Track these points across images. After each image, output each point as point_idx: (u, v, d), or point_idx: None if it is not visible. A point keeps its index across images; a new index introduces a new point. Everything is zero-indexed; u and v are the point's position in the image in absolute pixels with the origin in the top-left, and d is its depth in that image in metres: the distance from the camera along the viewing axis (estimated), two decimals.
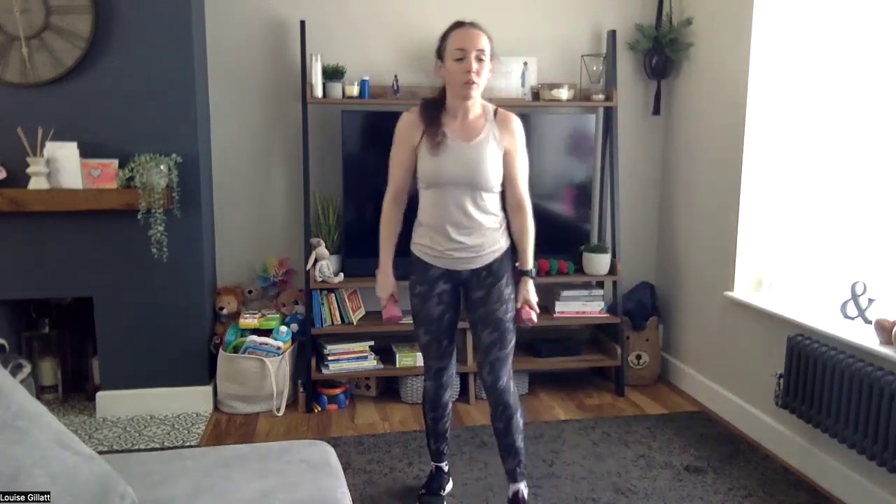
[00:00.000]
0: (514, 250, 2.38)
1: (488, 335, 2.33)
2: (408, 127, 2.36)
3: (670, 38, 3.62)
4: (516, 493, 2.44)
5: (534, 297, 2.36)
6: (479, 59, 2.18)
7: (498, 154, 2.27)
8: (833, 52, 2.94)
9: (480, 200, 2.27)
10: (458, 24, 2.23)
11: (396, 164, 2.44)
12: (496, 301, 2.32)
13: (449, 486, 2.65)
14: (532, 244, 2.37)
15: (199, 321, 3.34)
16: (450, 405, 2.59)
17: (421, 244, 2.38)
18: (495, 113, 2.31)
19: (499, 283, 2.32)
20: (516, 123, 2.32)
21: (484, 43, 2.19)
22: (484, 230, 2.30)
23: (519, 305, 2.36)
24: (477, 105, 2.29)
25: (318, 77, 3.37)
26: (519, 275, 2.37)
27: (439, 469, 2.66)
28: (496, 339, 2.33)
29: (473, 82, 2.18)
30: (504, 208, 2.36)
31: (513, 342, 2.37)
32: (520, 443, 2.41)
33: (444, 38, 2.24)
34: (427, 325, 2.42)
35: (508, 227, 2.38)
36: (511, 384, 2.38)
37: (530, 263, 2.37)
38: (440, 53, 2.26)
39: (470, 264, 2.32)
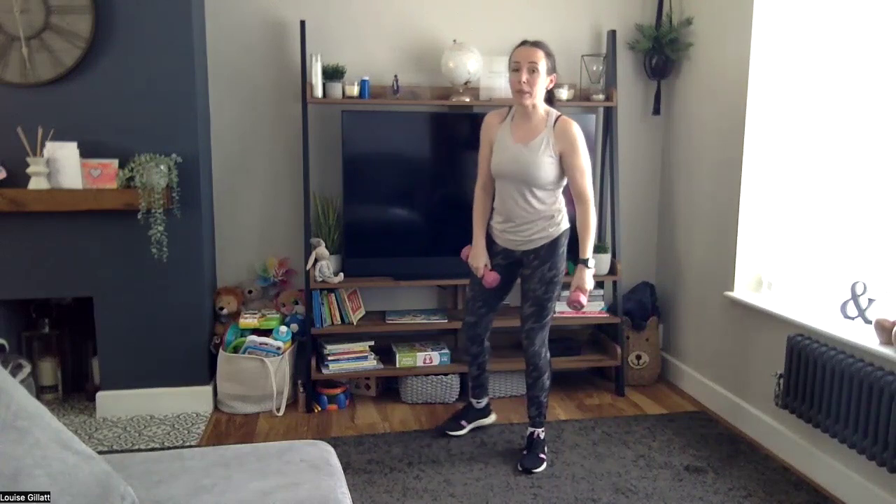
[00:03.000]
0: (570, 240, 2.78)
1: (528, 308, 2.79)
2: (487, 126, 2.83)
3: (670, 38, 3.62)
4: (532, 433, 2.92)
5: (588, 284, 2.69)
6: (532, 71, 2.58)
7: (550, 157, 2.64)
8: (833, 51, 2.94)
9: (531, 195, 2.68)
10: (522, 43, 2.66)
11: (482, 158, 2.86)
12: (538, 281, 2.75)
13: (487, 420, 3.19)
14: (592, 235, 2.70)
15: (199, 321, 3.34)
16: (480, 357, 3.05)
17: (492, 223, 2.89)
18: (556, 120, 2.66)
19: (542, 267, 2.74)
20: (573, 129, 2.64)
21: (538, 57, 2.59)
22: (535, 220, 2.71)
23: (572, 289, 2.70)
24: (539, 111, 2.68)
25: (318, 77, 3.37)
26: (577, 262, 2.71)
27: (468, 405, 3.18)
28: (533, 313, 2.78)
29: (525, 91, 2.59)
30: (561, 202, 2.77)
31: (549, 318, 2.80)
32: (543, 398, 2.90)
33: (511, 53, 2.68)
34: (473, 283, 2.95)
35: (572, 220, 2.77)
36: (543, 351, 2.83)
37: (587, 253, 2.69)
38: (510, 65, 2.68)
39: (521, 246, 2.78)
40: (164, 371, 3.30)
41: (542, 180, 2.66)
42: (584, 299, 2.68)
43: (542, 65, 2.59)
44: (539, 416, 2.91)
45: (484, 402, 3.18)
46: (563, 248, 2.77)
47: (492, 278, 2.81)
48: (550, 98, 2.73)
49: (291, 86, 3.56)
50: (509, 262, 2.84)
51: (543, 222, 2.71)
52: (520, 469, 2.79)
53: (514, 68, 2.60)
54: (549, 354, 2.86)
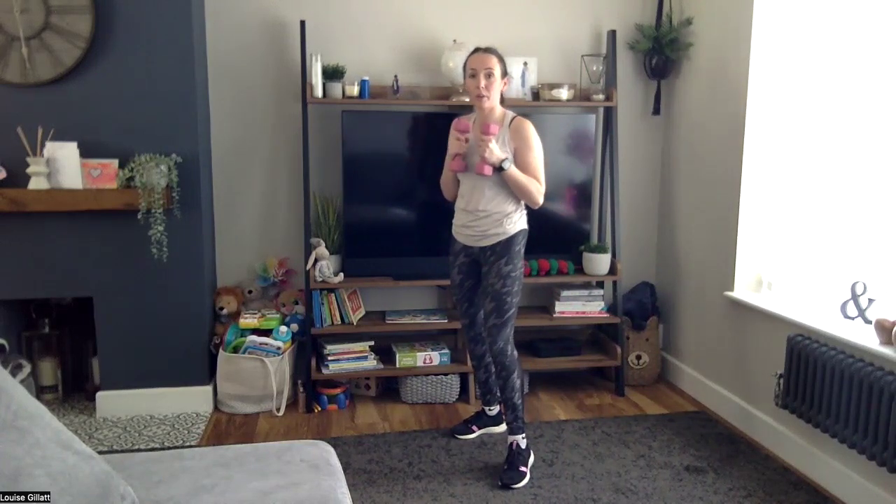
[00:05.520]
0: (522, 239, 2.81)
1: (488, 304, 2.78)
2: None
3: (670, 38, 3.62)
4: (511, 444, 2.80)
5: (495, 152, 2.67)
6: (489, 76, 2.70)
7: (505, 154, 2.71)
8: (833, 51, 2.94)
9: (488, 190, 2.74)
10: (475, 50, 2.77)
11: (447, 157, 2.94)
12: (495, 276, 2.76)
13: (497, 428, 3.16)
14: (523, 179, 2.70)
15: (199, 321, 3.34)
16: (486, 359, 3.04)
17: (454, 221, 2.92)
18: (512, 120, 2.76)
19: (499, 262, 2.76)
20: (527, 128, 2.74)
21: (492, 63, 2.70)
22: (489, 215, 2.76)
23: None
24: (496, 112, 2.78)
25: (318, 77, 3.37)
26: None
27: (478, 412, 3.20)
28: (493, 309, 2.76)
29: (483, 95, 2.71)
30: (518, 200, 2.79)
31: (510, 313, 2.77)
32: (516, 399, 2.80)
33: (466, 59, 2.79)
34: (452, 288, 3.03)
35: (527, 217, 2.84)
36: (508, 349, 2.78)
37: (509, 167, 2.69)
38: (465, 71, 2.79)
39: (478, 242, 2.82)
40: (164, 371, 3.30)
41: (495, 175, 2.71)
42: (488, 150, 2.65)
43: (497, 70, 2.72)
44: (515, 420, 2.80)
45: (496, 409, 3.15)
46: (521, 248, 2.80)
47: (458, 164, 2.78)
48: (502, 98, 2.84)
49: (291, 86, 3.56)
50: (472, 260, 2.88)
51: (499, 217, 2.75)
52: (499, 485, 2.67)
53: (471, 74, 2.72)
54: (515, 352, 2.81)
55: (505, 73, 2.77)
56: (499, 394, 2.88)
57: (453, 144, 2.83)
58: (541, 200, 2.76)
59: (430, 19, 3.64)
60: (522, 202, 2.82)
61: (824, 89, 2.99)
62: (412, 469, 2.82)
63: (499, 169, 2.67)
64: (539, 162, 2.75)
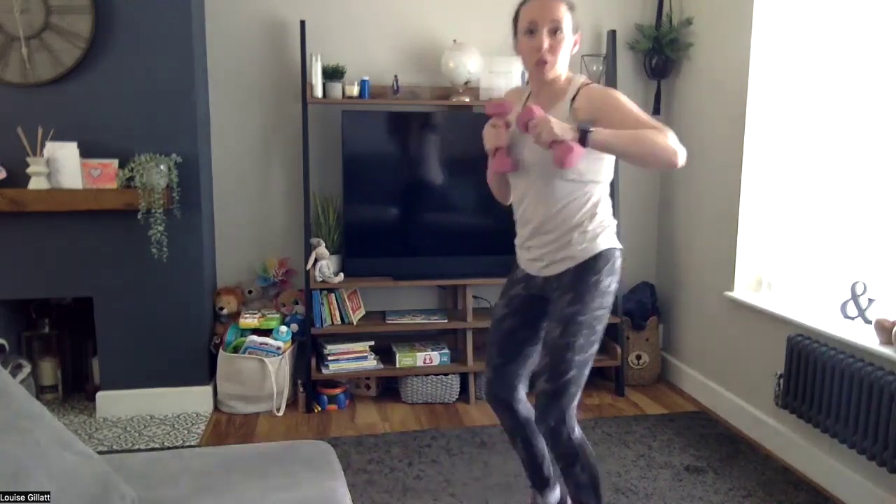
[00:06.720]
0: (606, 265, 1.94)
1: (541, 360, 1.97)
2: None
3: (670, 38, 3.62)
4: None
5: (556, 129, 1.74)
6: (555, 32, 1.87)
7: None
8: (833, 51, 2.94)
9: (550, 192, 1.92)
10: None
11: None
12: (555, 318, 1.93)
13: None
14: (628, 137, 1.77)
15: (199, 321, 3.34)
16: (521, 409, 2.16)
17: (516, 239, 2.11)
18: (581, 88, 1.92)
19: (562, 299, 1.92)
20: (603, 90, 1.93)
21: (560, 12, 1.87)
22: (556, 227, 1.94)
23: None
24: (559, 84, 1.95)
25: (318, 77, 3.37)
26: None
27: (534, 498, 2.32)
28: (545, 368, 1.93)
29: (545, 61, 1.88)
30: (598, 206, 1.95)
31: (569, 378, 1.89)
32: (590, 500, 2.02)
33: (517, 10, 1.94)
34: (492, 324, 2.16)
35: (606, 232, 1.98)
36: (564, 429, 1.94)
37: (593, 129, 1.76)
38: (515, 28, 1.95)
39: (542, 270, 1.99)
40: (164, 371, 3.30)
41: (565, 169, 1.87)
42: (536, 120, 1.78)
43: (566, 22, 1.88)
44: None
45: (553, 496, 2.30)
46: (600, 278, 1.91)
47: (502, 163, 1.96)
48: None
49: (291, 86, 3.56)
50: (531, 295, 2.06)
51: (569, 233, 1.93)
52: None
53: (529, 30, 1.88)
54: (579, 431, 1.99)
55: (578, 28, 1.93)
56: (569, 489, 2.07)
57: (490, 135, 1.96)
58: (678, 149, 1.78)
59: (430, 19, 3.64)
60: (608, 207, 1.98)
61: (824, 89, 2.99)
62: (412, 469, 2.82)
63: (581, 141, 1.75)
64: (641, 112, 1.87)
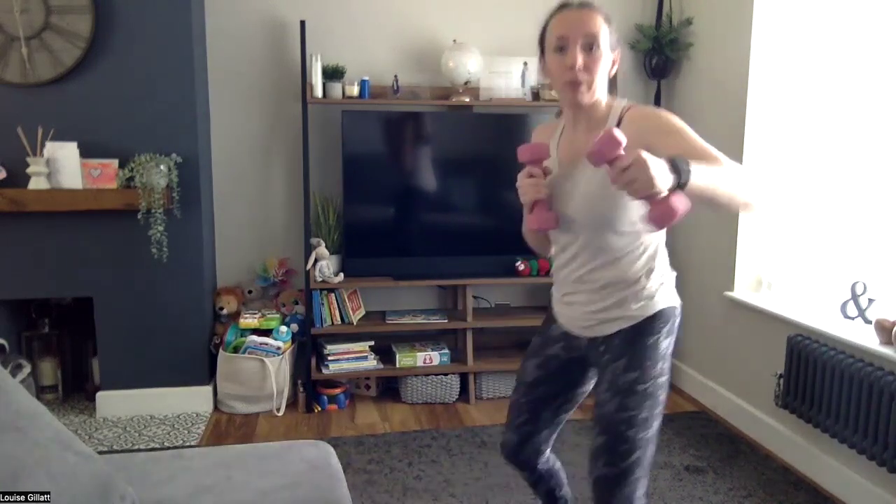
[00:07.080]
0: (665, 326, 1.65)
1: (595, 438, 1.65)
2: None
3: (670, 38, 3.62)
4: None
5: (657, 179, 1.26)
6: (590, 48, 1.56)
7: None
8: (833, 51, 2.94)
9: (598, 247, 1.64)
10: (563, 6, 1.62)
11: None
12: (609, 390, 1.63)
13: None
14: (718, 176, 1.38)
15: (199, 321, 3.34)
16: (543, 465, 1.96)
17: (552, 291, 1.84)
18: (624, 112, 1.60)
19: (615, 365, 1.63)
20: (654, 111, 1.60)
21: (597, 26, 1.56)
22: (605, 286, 1.65)
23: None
24: (600, 108, 1.63)
25: (318, 77, 3.37)
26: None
27: None
28: (603, 447, 1.63)
29: (579, 81, 1.56)
30: (655, 259, 1.66)
31: (635, 458, 1.62)
32: None
33: (545, 25, 1.64)
34: (518, 383, 1.89)
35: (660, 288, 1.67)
36: None
37: (692, 169, 1.32)
38: (542, 46, 1.65)
39: (587, 331, 1.71)
40: (164, 371, 3.30)
41: (609, 216, 1.59)
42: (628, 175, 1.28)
43: (605, 36, 1.57)
44: None
45: None
46: (658, 340, 1.63)
47: (544, 219, 1.59)
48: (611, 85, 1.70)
49: (291, 86, 3.56)
50: (571, 358, 1.80)
51: (623, 290, 1.64)
52: None
53: (559, 47, 1.57)
54: None
55: (616, 45, 1.62)
56: None
57: (527, 187, 1.59)
58: (758, 188, 1.49)
59: (430, 19, 3.64)
60: (665, 259, 1.70)
61: (824, 89, 2.99)
62: (412, 469, 2.82)
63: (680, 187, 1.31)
64: (701, 140, 1.48)
